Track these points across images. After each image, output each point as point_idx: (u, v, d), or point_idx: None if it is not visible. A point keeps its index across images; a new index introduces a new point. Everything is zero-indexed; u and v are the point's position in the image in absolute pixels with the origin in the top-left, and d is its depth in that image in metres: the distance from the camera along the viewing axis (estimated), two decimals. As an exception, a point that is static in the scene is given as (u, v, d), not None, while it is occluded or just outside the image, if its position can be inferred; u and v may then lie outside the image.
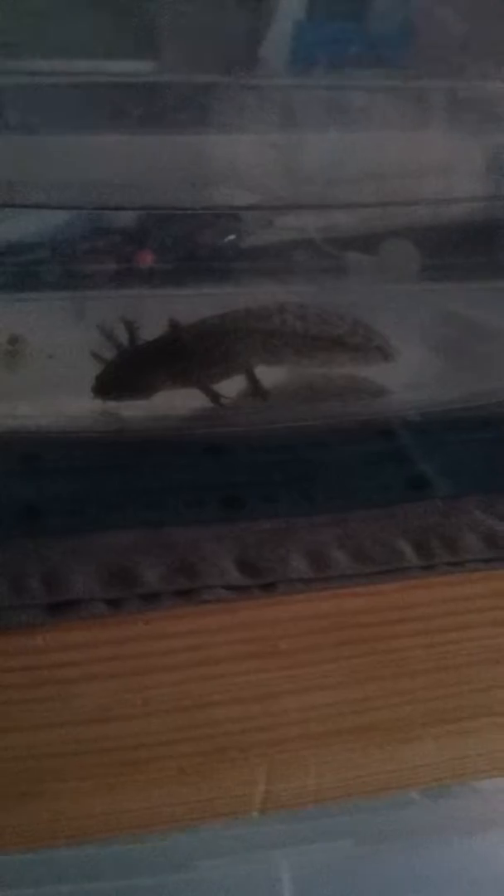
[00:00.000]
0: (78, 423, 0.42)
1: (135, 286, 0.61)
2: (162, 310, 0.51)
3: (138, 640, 0.32)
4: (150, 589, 0.33)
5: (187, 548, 0.36)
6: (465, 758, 0.29)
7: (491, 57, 0.55)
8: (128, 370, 0.42)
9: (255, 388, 0.45)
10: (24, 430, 0.42)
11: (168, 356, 0.42)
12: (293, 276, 0.64)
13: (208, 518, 0.38)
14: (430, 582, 0.35)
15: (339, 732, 0.29)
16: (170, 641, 0.32)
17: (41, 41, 0.57)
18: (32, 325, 0.52)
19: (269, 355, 0.46)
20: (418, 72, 0.60)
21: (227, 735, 0.29)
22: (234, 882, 0.44)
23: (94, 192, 0.53)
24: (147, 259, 0.61)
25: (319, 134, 0.61)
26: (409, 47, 0.62)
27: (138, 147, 0.57)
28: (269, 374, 0.47)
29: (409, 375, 0.52)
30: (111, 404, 0.43)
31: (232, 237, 0.65)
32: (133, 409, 0.44)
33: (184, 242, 0.64)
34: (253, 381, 0.45)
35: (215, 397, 0.44)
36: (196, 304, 0.54)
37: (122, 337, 0.42)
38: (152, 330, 0.46)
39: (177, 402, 0.44)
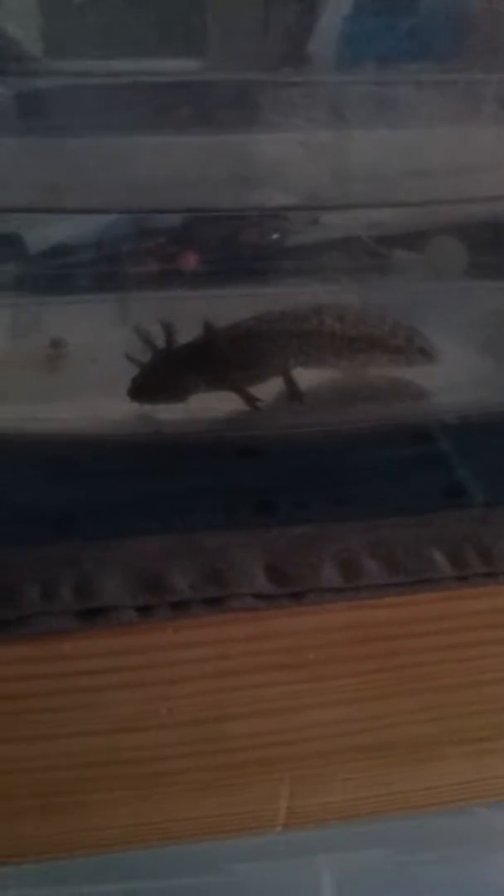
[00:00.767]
0: (115, 427, 0.42)
1: (179, 288, 0.61)
2: (206, 311, 0.52)
3: (166, 649, 0.32)
4: (180, 596, 0.33)
5: (217, 554, 0.35)
6: (494, 778, 0.29)
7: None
8: (162, 373, 0.42)
9: (292, 391, 0.45)
10: (63, 433, 0.42)
11: (202, 359, 0.42)
12: (339, 274, 0.63)
13: (239, 523, 0.38)
14: (463, 594, 0.34)
15: (363, 748, 0.29)
16: (197, 650, 0.32)
17: (86, 41, 0.58)
18: (76, 328, 0.53)
19: (306, 357, 0.45)
20: (468, 65, 0.58)
21: (251, 749, 0.29)
22: (273, 886, 0.44)
23: (138, 195, 0.54)
24: (191, 261, 0.61)
25: (367, 131, 0.60)
26: (458, 41, 0.61)
27: (184, 147, 0.57)
28: (309, 376, 0.47)
29: (453, 377, 0.51)
30: (147, 407, 0.43)
31: (276, 236, 0.65)
32: (169, 412, 0.44)
33: (228, 243, 0.63)
34: (290, 383, 0.45)
35: (250, 400, 0.43)
36: (240, 304, 0.54)
37: (159, 339, 0.42)
38: (195, 331, 0.46)
39: (213, 405, 0.44)
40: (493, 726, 0.29)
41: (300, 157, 0.57)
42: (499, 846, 0.44)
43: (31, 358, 0.48)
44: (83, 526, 0.37)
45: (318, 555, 0.36)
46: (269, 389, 0.46)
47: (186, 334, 0.45)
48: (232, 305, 0.55)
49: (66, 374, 0.47)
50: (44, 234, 0.62)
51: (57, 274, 0.60)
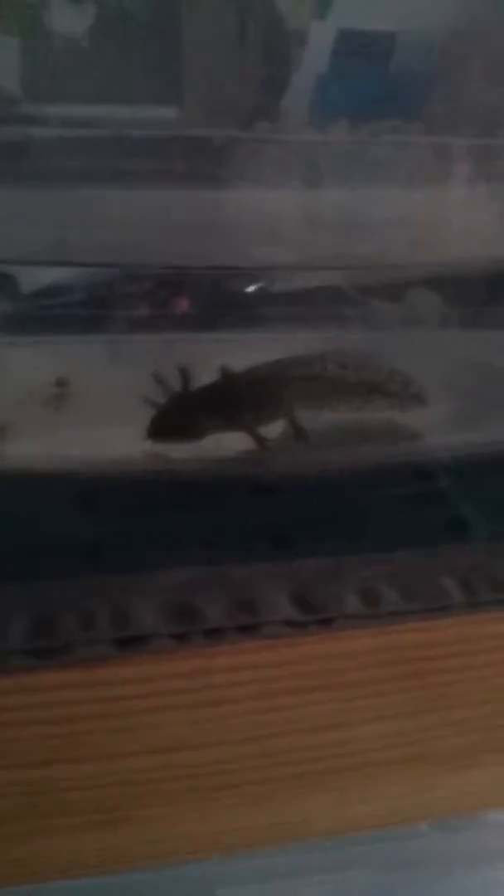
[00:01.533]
0: (129, 464, 0.44)
1: (168, 330, 0.63)
2: (196, 353, 0.54)
3: (204, 673, 0.33)
4: (213, 624, 0.35)
5: (244, 585, 0.37)
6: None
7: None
8: (180, 414, 0.44)
9: (298, 432, 0.47)
10: (76, 469, 0.44)
11: (220, 401, 0.45)
12: (321, 321, 0.67)
13: (259, 557, 0.40)
14: (475, 619, 0.37)
15: (400, 760, 0.31)
16: (234, 675, 0.33)
17: (64, 87, 0.60)
18: (73, 368, 0.54)
19: (311, 401, 0.48)
20: (439, 127, 0.63)
21: (295, 763, 0.30)
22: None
23: (125, 246, 0.55)
24: (183, 305, 0.63)
25: (342, 188, 0.64)
26: (432, 101, 0.65)
27: (160, 201, 0.59)
28: (310, 419, 0.49)
29: (438, 420, 0.54)
30: (160, 446, 0.45)
31: (261, 284, 0.68)
32: (180, 451, 0.45)
33: (214, 290, 0.66)
34: (295, 424, 0.47)
35: (260, 440, 0.46)
36: (225, 348, 0.57)
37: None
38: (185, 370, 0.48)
39: (223, 444, 0.46)
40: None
41: (278, 212, 0.61)
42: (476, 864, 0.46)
43: (37, 396, 0.49)
44: (112, 558, 0.38)
45: (341, 584, 0.38)
46: (270, 430, 0.48)
47: (174, 374, 0.46)
48: (218, 348, 0.57)
49: (75, 412, 0.48)
50: (36, 274, 0.63)
51: (48, 315, 0.61)
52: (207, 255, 0.57)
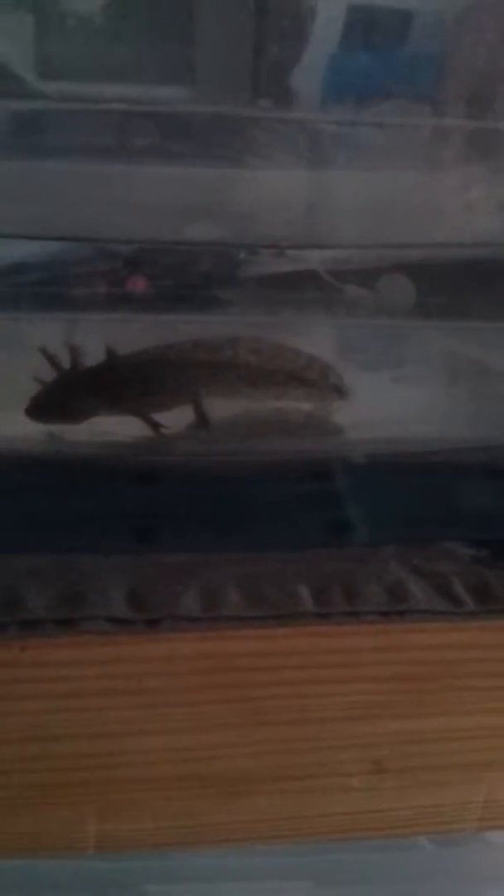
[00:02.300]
0: (17, 443, 0.43)
1: (125, 311, 0.62)
2: (150, 335, 0.52)
3: (12, 667, 0.32)
4: (33, 615, 0.34)
5: (83, 576, 0.36)
6: (303, 817, 0.28)
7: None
8: (61, 394, 0.42)
9: (199, 419, 0.45)
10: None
11: (101, 383, 0.43)
12: (287, 306, 0.64)
13: (118, 547, 0.38)
14: (321, 631, 0.34)
15: (181, 778, 0.29)
16: (41, 670, 0.32)
17: (77, 65, 0.59)
18: (14, 346, 0.54)
19: (218, 387, 0.46)
20: (448, 107, 0.59)
21: (67, 770, 0.29)
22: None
23: (98, 221, 0.55)
24: (139, 285, 0.62)
25: (333, 169, 0.61)
26: (442, 82, 0.61)
27: (145, 177, 0.58)
28: (224, 407, 0.47)
29: (377, 413, 0.51)
30: (55, 427, 0.44)
31: (228, 266, 0.66)
32: (76, 434, 0.44)
33: (179, 270, 0.64)
34: (198, 412, 0.45)
35: (155, 426, 0.44)
36: (184, 330, 0.55)
37: (65, 361, 0.43)
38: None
39: (119, 429, 0.45)
40: (315, 765, 0.29)
41: (269, 191, 0.58)
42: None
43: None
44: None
45: (184, 583, 0.36)
46: (184, 417, 0.47)
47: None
48: (176, 331, 0.56)
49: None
50: (2, 251, 0.63)
51: (9, 292, 0.61)
52: (205, 231, 0.55)
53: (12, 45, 0.59)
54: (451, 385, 0.60)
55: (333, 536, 0.40)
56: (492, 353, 0.61)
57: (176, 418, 0.46)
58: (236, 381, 0.46)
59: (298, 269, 0.67)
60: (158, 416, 0.45)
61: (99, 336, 0.58)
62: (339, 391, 0.47)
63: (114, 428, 0.45)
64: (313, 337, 0.61)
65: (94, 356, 0.45)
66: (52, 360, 0.43)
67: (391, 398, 0.51)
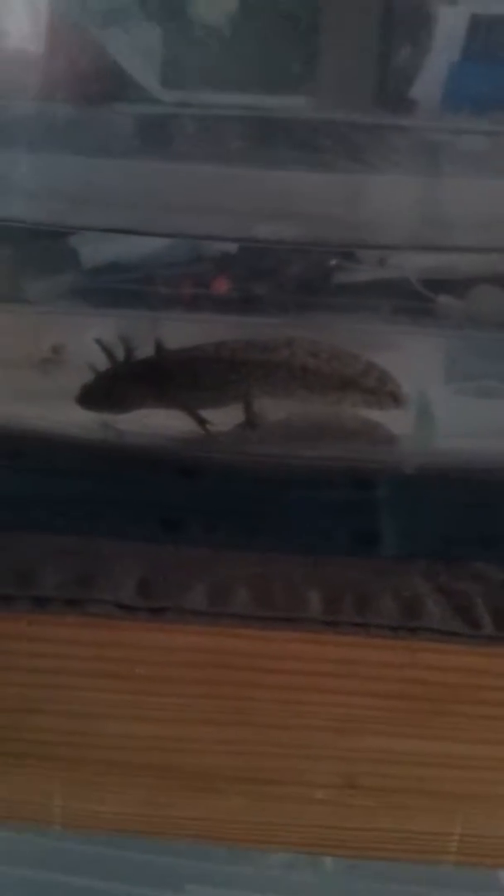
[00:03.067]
0: (70, 430, 0.45)
1: (207, 311, 0.63)
2: (229, 335, 0.53)
3: (18, 639, 0.33)
4: (44, 592, 0.35)
5: (100, 560, 0.37)
6: (269, 823, 0.28)
7: None
8: (111, 384, 0.44)
9: (249, 419, 0.45)
10: (28, 430, 0.45)
11: (148, 376, 0.44)
12: (378, 314, 0.63)
13: (144, 536, 0.39)
14: (321, 639, 0.33)
15: (147, 766, 0.29)
16: (41, 645, 0.33)
17: (201, 74, 0.61)
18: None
19: (272, 388, 0.45)
20: None
21: (40, 743, 0.29)
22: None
23: (216, 222, 0.56)
24: (222, 286, 0.63)
25: (447, 177, 0.60)
26: None
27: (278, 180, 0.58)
28: (278, 408, 0.47)
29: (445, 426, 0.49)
30: (108, 417, 0.45)
31: (322, 271, 0.65)
32: (130, 425, 0.45)
33: (269, 274, 0.65)
34: (249, 411, 0.45)
35: (201, 422, 0.44)
36: (263, 332, 0.55)
37: (120, 352, 0.44)
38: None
39: (172, 424, 0.45)
40: (285, 772, 0.28)
41: (379, 198, 0.58)
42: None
43: (29, 359, 0.51)
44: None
45: (195, 576, 0.36)
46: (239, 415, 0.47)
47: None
48: (257, 334, 0.56)
49: (54, 377, 0.50)
50: (97, 250, 0.66)
51: (101, 289, 0.64)
52: (323, 236, 0.56)
53: (140, 53, 0.62)
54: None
55: (363, 547, 0.39)
56: None
57: (230, 417, 0.46)
58: (291, 383, 0.45)
59: (391, 276, 0.66)
60: (213, 413, 0.45)
61: (180, 335, 0.60)
62: (397, 399, 0.45)
63: (166, 422, 0.45)
64: (401, 346, 0.59)
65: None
66: (107, 350, 0.44)
67: (454, 410, 0.49)
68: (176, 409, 0.44)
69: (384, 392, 0.45)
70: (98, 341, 0.44)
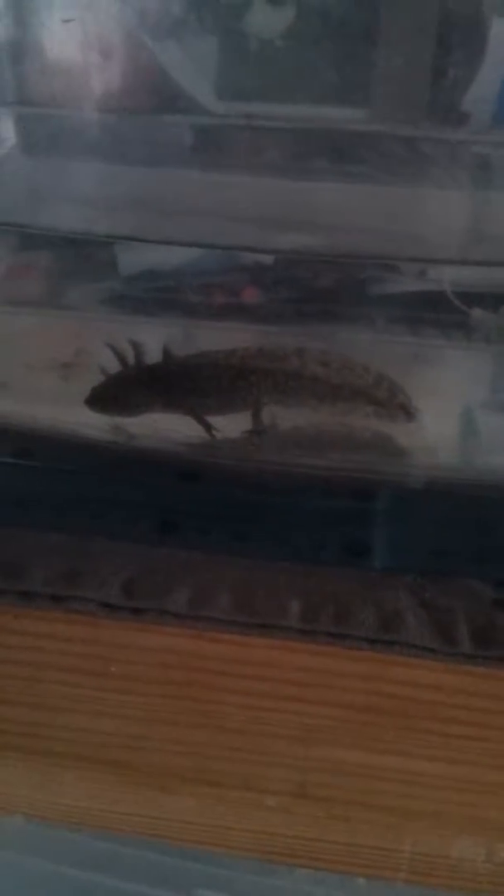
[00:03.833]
0: (85, 432, 0.46)
1: (237, 320, 0.63)
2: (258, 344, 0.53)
3: (2, 632, 0.34)
4: (31, 588, 0.36)
5: (90, 558, 0.37)
6: (221, 827, 0.28)
7: None
8: (119, 388, 0.44)
9: (255, 426, 0.45)
10: (38, 431, 0.46)
11: (155, 381, 0.44)
12: (408, 326, 0.62)
13: (139, 536, 0.39)
14: (299, 647, 0.33)
15: (108, 762, 0.29)
16: (22, 638, 0.34)
17: (257, 86, 0.62)
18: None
19: (282, 397, 0.45)
20: None
21: (2, 733, 0.30)
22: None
23: (235, 231, 0.57)
24: (252, 295, 0.63)
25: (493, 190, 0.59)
26: None
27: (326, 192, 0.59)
28: (287, 417, 0.47)
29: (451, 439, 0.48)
30: (119, 420, 0.46)
31: (352, 283, 0.65)
32: (140, 428, 0.46)
33: (301, 284, 0.65)
34: (255, 419, 0.45)
35: (207, 428, 0.45)
36: (294, 342, 0.55)
37: (131, 357, 0.45)
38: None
39: (182, 429, 0.46)
40: (240, 776, 0.28)
41: (421, 211, 0.58)
42: None
43: (52, 363, 0.52)
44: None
45: (180, 579, 0.37)
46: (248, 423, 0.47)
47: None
48: (284, 343, 0.56)
49: (76, 382, 0.51)
50: (136, 257, 0.67)
51: (136, 296, 0.65)
52: (368, 249, 0.56)
53: (194, 65, 0.63)
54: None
55: (355, 558, 0.38)
56: None
57: (240, 424, 0.47)
58: (301, 393, 0.45)
59: (425, 289, 0.65)
60: (221, 420, 0.46)
61: (205, 341, 0.60)
62: (407, 411, 0.45)
63: (175, 427, 0.46)
64: (433, 359, 0.59)
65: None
66: (119, 355, 0.45)
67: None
68: (182, 414, 0.45)
69: (394, 404, 0.45)
70: (110, 346, 0.45)
